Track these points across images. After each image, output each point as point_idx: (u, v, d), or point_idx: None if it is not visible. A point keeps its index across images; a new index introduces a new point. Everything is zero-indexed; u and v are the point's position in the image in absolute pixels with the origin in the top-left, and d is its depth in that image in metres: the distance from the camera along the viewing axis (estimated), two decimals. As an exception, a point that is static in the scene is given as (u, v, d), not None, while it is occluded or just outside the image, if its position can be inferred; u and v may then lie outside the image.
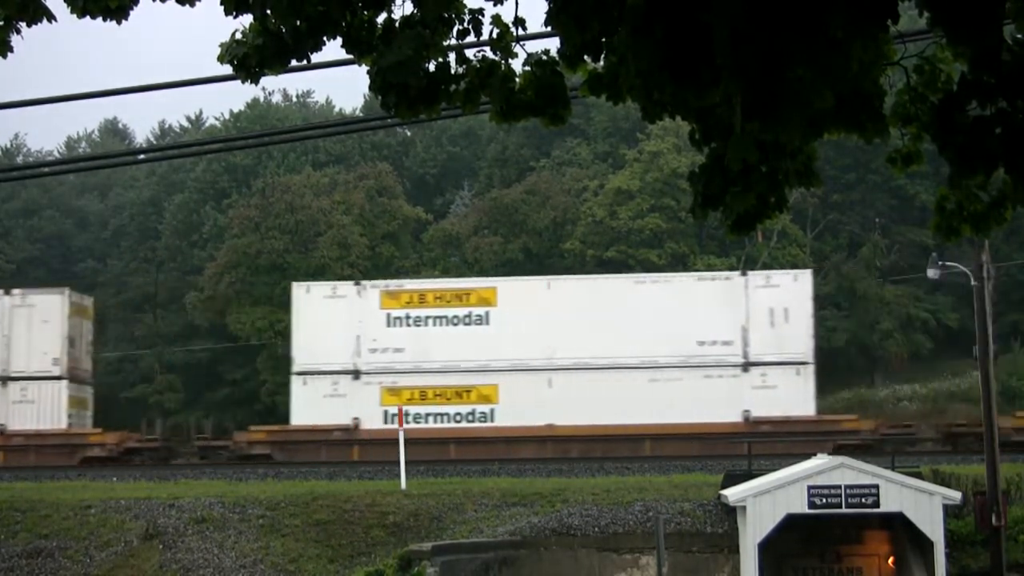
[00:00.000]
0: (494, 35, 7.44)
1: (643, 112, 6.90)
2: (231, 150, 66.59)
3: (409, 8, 7.25)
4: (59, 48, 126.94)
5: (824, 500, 23.84)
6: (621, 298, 40.00)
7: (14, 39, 7.67)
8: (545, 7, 6.71)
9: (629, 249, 60.47)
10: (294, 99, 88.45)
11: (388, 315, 40.37)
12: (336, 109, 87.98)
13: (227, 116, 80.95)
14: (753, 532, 23.85)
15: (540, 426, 38.29)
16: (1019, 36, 6.61)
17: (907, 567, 24.71)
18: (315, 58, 7.66)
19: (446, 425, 39.64)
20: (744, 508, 24.11)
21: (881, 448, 35.51)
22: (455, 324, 40.22)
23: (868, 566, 25.77)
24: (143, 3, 7.36)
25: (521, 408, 38.65)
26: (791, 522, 24.02)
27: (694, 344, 39.09)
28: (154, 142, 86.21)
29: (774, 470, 26.75)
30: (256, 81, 7.57)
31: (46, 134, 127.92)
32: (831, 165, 61.70)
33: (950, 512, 24.84)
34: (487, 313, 40.14)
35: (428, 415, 39.79)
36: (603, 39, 6.80)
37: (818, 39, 5.78)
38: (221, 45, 7.47)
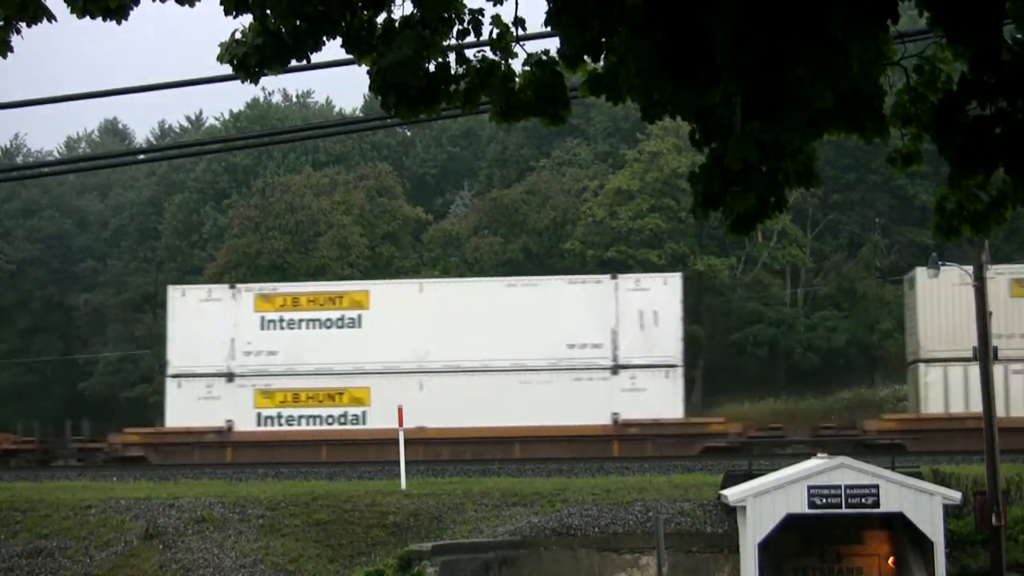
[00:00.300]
0: (494, 35, 7.44)
1: (643, 112, 6.90)
2: (231, 150, 66.58)
3: (409, 8, 7.25)
4: (59, 48, 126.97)
5: (824, 500, 23.84)
6: (492, 302, 40.48)
7: (14, 39, 7.67)
8: (545, 7, 6.71)
9: (629, 249, 60.47)
10: (294, 99, 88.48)
11: (262, 318, 40.60)
12: (336, 109, 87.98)
13: (227, 116, 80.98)
14: (753, 532, 23.85)
15: (411, 428, 38.09)
16: (1019, 36, 6.61)
17: (907, 567, 24.72)
18: (315, 58, 7.66)
19: (318, 428, 39.99)
20: (744, 508, 24.11)
21: (749, 450, 36.33)
22: (328, 327, 40.51)
23: (868, 566, 25.77)
24: (143, 3, 7.36)
25: (393, 411, 39.12)
26: (791, 522, 24.02)
27: (564, 347, 39.58)
28: (154, 142, 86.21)
29: (774, 470, 26.75)
30: (256, 81, 7.57)
31: (46, 134, 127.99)
32: (831, 165, 61.69)
33: (950, 512, 24.84)
34: (359, 316, 40.48)
35: (301, 417, 40.10)
36: (603, 39, 6.80)
37: (818, 39, 5.78)
38: (221, 45, 7.47)
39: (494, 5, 7.37)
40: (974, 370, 37.02)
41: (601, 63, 7.11)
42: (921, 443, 36.75)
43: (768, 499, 24.05)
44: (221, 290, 42.29)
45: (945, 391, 38.37)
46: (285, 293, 41.75)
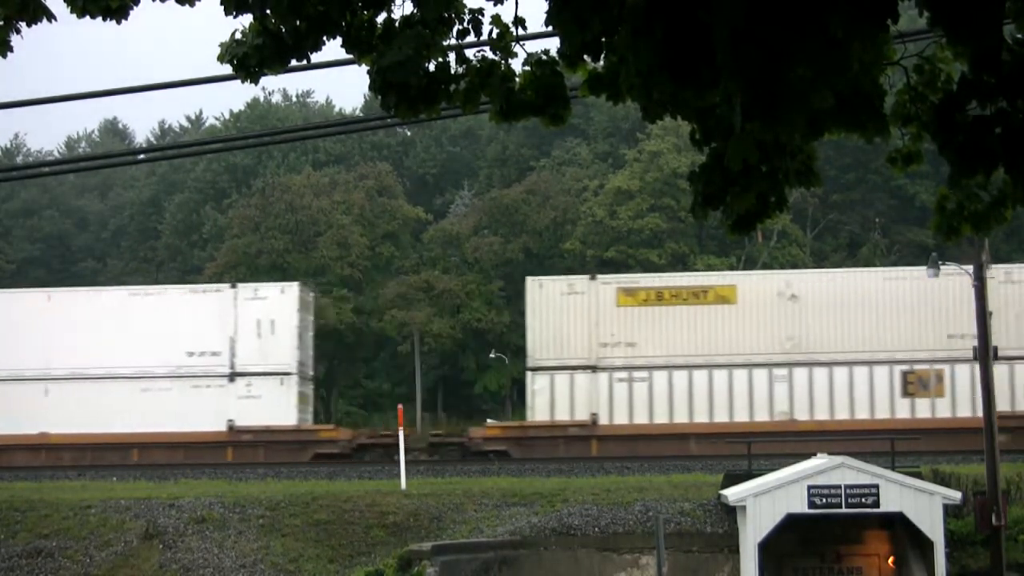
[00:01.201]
0: (494, 35, 7.44)
1: (643, 112, 6.90)
2: (231, 150, 66.61)
3: (409, 8, 7.25)
4: (59, 48, 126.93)
5: (824, 500, 23.84)
6: (117, 310, 41.23)
7: (14, 39, 7.67)
8: (545, 7, 6.70)
9: (629, 249, 60.47)
10: (294, 99, 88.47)
11: None
12: (336, 109, 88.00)
13: (227, 116, 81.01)
14: (753, 532, 23.85)
15: (33, 434, 39.35)
16: (1019, 36, 6.60)
17: (907, 567, 24.71)
18: (315, 58, 7.66)
19: None
20: (744, 508, 24.11)
21: (361, 458, 38.62)
22: None
23: (868, 566, 25.77)
24: (143, 3, 7.36)
25: (16, 416, 39.60)
26: (791, 522, 24.02)
27: (184, 355, 40.58)
28: (154, 142, 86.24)
29: (774, 470, 26.75)
30: (256, 81, 7.57)
31: (46, 134, 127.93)
32: (831, 165, 61.69)
33: (950, 512, 24.85)
34: None
35: None
36: (603, 39, 6.80)
37: (818, 39, 5.78)
38: (221, 45, 7.47)
39: (494, 5, 7.38)
40: (580, 378, 39.10)
41: (601, 63, 7.11)
42: (526, 450, 38.12)
43: (768, 499, 24.05)
44: None
45: (551, 399, 39.40)
46: None
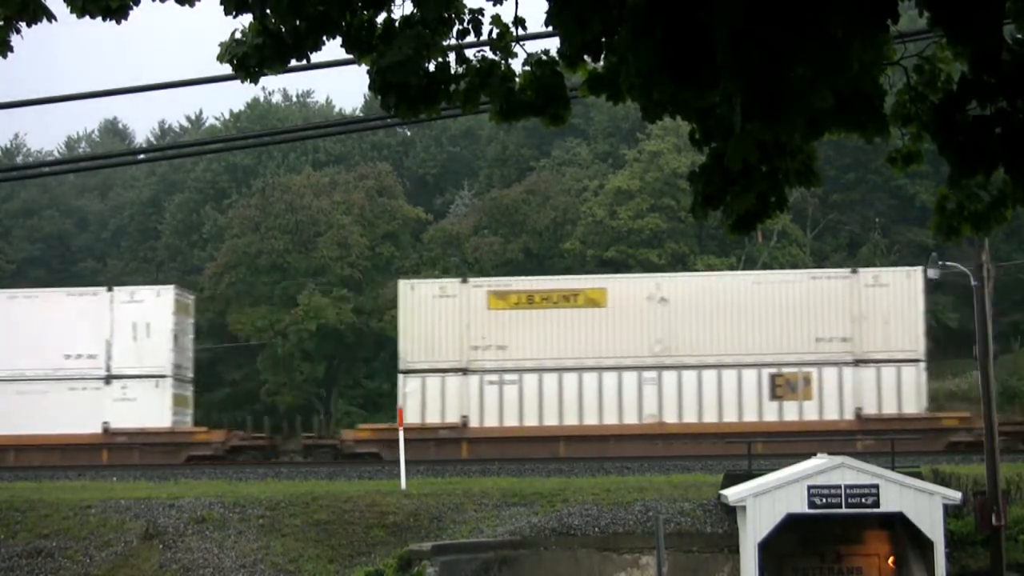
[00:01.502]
0: (494, 35, 7.44)
1: (643, 112, 6.90)
2: (231, 150, 66.60)
3: (409, 8, 7.25)
4: (59, 48, 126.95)
5: (824, 500, 23.84)
6: None
7: (14, 39, 7.66)
8: (545, 7, 6.71)
9: (629, 249, 60.47)
10: (294, 99, 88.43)
11: None
12: (336, 109, 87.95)
13: (227, 116, 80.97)
14: (753, 532, 23.85)
15: None
16: (1019, 36, 6.60)
17: (907, 567, 24.71)
18: (315, 58, 7.66)
19: None
20: (744, 508, 24.11)
21: (234, 459, 39.34)
22: None
23: (868, 566, 25.76)
24: (143, 3, 7.36)
25: None
26: (791, 522, 24.02)
27: (61, 357, 40.95)
28: (154, 142, 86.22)
29: (774, 470, 26.75)
30: (256, 81, 7.57)
31: (46, 134, 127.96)
32: (831, 165, 61.68)
33: (950, 512, 24.84)
34: None
35: None
36: (603, 39, 6.80)
37: (818, 39, 5.78)
38: (221, 45, 7.47)
39: (494, 5, 7.38)
40: (451, 381, 39.58)
41: (601, 63, 7.11)
42: (397, 452, 38.20)
43: (768, 499, 24.05)
44: None
45: (423, 401, 39.73)
46: None
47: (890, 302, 38.78)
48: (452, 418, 39.41)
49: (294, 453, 41.08)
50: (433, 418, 39.47)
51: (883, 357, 38.42)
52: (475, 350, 39.69)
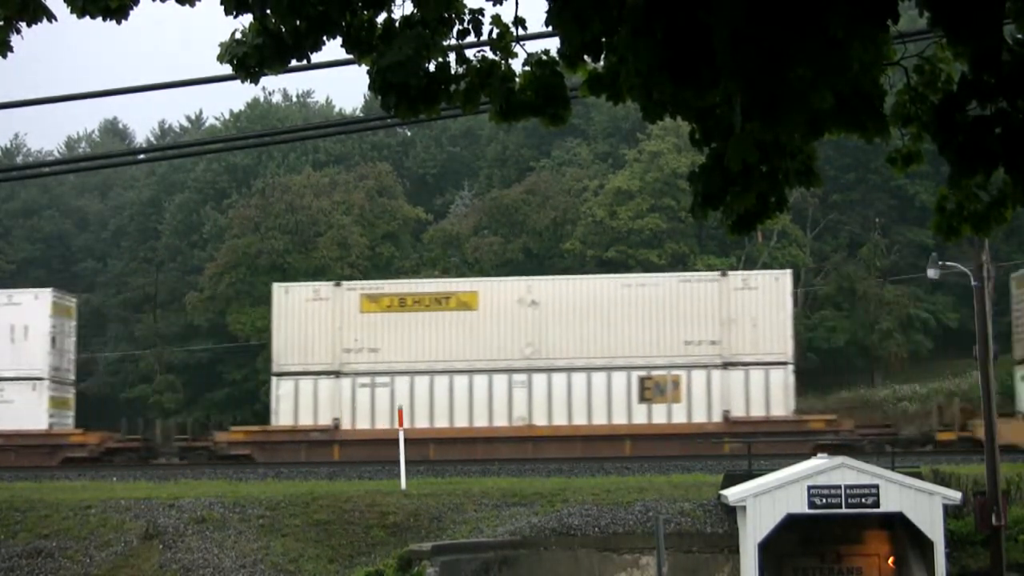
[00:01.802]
0: (494, 35, 7.43)
1: (643, 112, 6.89)
2: (231, 150, 66.59)
3: (409, 8, 7.25)
4: (59, 48, 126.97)
5: (824, 500, 23.84)
6: None
7: (14, 39, 7.66)
8: (545, 7, 6.70)
9: (629, 249, 60.47)
10: (294, 99, 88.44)
11: None
12: (336, 109, 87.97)
13: (227, 116, 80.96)
14: (753, 532, 23.85)
15: None
16: (1019, 36, 6.60)
17: (907, 567, 24.71)
18: (315, 58, 7.65)
19: None
20: (744, 508, 24.11)
21: (110, 460, 39.69)
22: None
23: (868, 566, 25.76)
24: (143, 3, 7.36)
25: None
26: (791, 522, 24.02)
27: None
28: (154, 142, 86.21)
29: (774, 470, 26.75)
30: (256, 81, 7.56)
31: (46, 134, 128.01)
32: (831, 165, 61.68)
33: (950, 512, 24.84)
34: None
35: None
36: (603, 39, 6.80)
37: (818, 39, 5.78)
38: (221, 45, 7.46)
39: (494, 5, 7.37)
40: (324, 383, 39.76)
41: (601, 63, 7.11)
42: (269, 454, 38.77)
43: (768, 499, 24.05)
44: None
45: (295, 404, 39.88)
46: None
47: (759, 305, 39.11)
48: (324, 420, 39.63)
49: (169, 455, 41.19)
50: (306, 420, 39.72)
51: (752, 360, 38.79)
52: (348, 352, 39.97)
